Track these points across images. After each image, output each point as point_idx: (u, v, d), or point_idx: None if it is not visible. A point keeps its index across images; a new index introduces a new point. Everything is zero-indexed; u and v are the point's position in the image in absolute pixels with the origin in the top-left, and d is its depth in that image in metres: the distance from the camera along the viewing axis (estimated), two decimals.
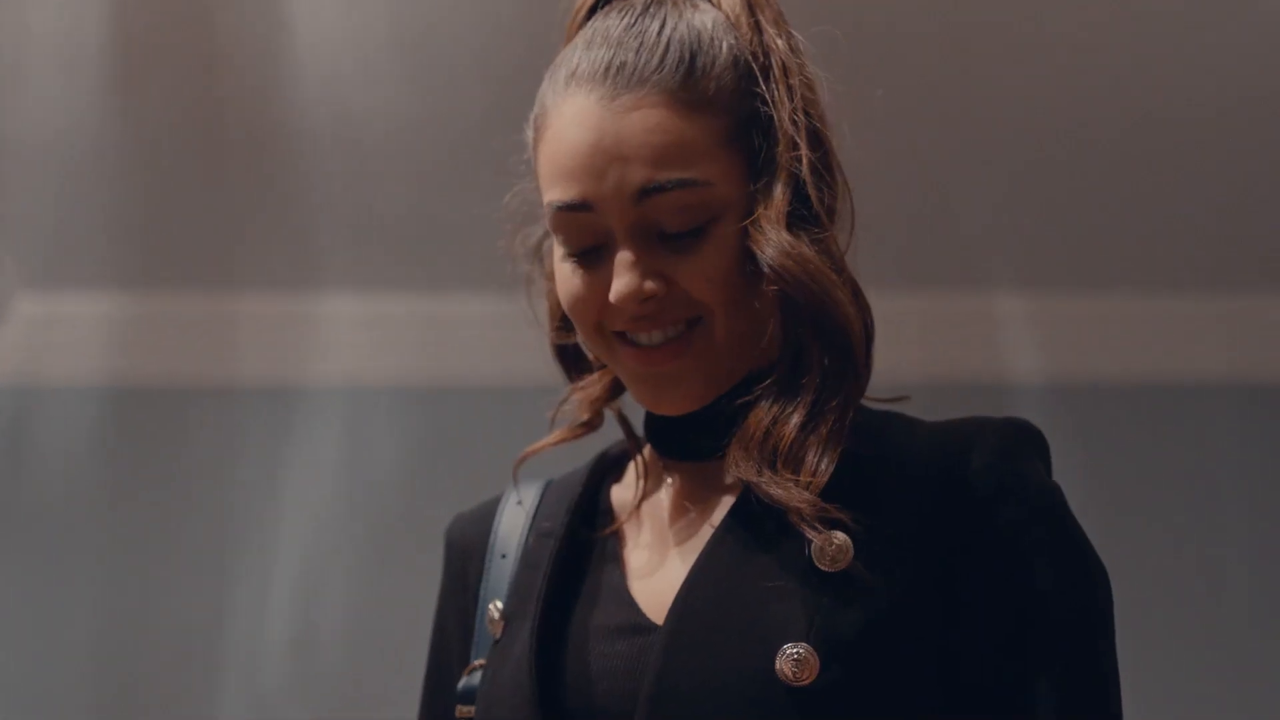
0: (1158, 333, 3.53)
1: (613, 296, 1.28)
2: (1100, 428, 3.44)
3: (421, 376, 3.49)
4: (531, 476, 1.51)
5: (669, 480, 1.41)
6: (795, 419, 1.27)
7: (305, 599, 3.39)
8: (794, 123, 1.30)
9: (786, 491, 1.24)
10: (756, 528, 1.27)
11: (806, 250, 1.27)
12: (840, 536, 1.23)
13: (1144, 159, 3.16)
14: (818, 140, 1.32)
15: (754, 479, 1.26)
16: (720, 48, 1.31)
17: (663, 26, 1.31)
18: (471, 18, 2.75)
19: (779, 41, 1.33)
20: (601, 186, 1.27)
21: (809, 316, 1.28)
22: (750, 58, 1.32)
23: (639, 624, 1.30)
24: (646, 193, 1.26)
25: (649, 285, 1.28)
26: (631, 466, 1.46)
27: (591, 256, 1.31)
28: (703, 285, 1.28)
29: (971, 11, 2.84)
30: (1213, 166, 3.19)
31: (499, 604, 1.41)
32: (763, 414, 1.28)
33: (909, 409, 1.39)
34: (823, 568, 1.24)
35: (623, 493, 1.45)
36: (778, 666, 1.20)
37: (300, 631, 3.37)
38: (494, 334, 3.35)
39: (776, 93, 1.31)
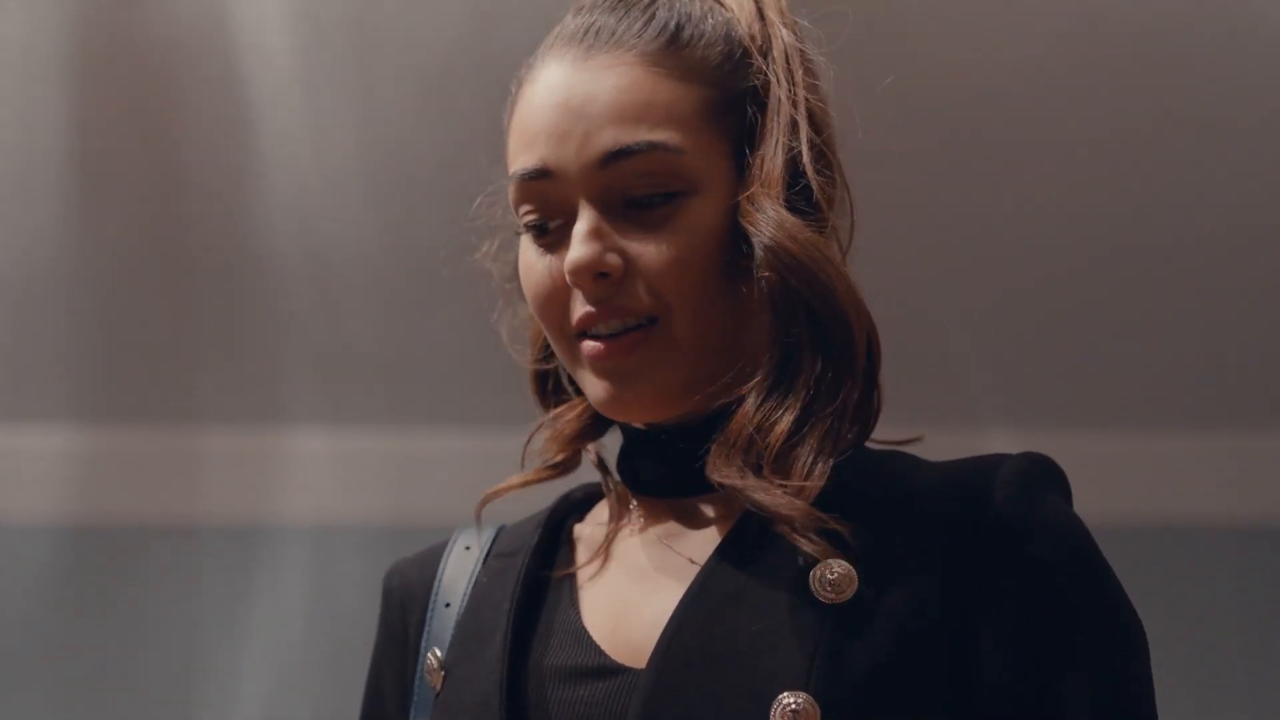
0: (1152, 472, 3.46)
1: (567, 266, 1.19)
2: None
3: (390, 515, 3.41)
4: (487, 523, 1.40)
5: (642, 518, 1.29)
6: (785, 422, 1.16)
7: None
8: (794, 104, 1.22)
9: (774, 498, 1.14)
10: (750, 561, 1.17)
11: (812, 234, 1.18)
12: (842, 564, 1.13)
13: (1140, 289, 3.13)
14: (820, 126, 1.24)
15: (737, 483, 1.15)
16: (710, 22, 1.25)
17: (651, 2, 1.26)
18: (437, 141, 2.74)
19: (782, 29, 1.26)
20: (564, 150, 1.20)
21: (805, 307, 1.17)
22: (749, 39, 1.25)
23: (602, 666, 1.19)
24: (612, 156, 1.19)
25: (609, 258, 1.19)
26: (598, 507, 1.36)
27: (555, 238, 1.22)
28: (666, 270, 1.19)
29: (966, 136, 2.82)
30: (1207, 299, 3.17)
31: (438, 652, 1.30)
32: (748, 416, 1.18)
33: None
34: (824, 599, 1.13)
35: (587, 531, 1.34)
36: (773, 717, 1.09)
37: None
38: (465, 471, 3.21)
39: (776, 73, 1.23)
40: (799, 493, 1.13)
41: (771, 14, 1.27)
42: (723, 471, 1.17)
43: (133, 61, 2.76)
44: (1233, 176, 2.90)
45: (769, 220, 1.17)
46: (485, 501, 1.37)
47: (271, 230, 2.98)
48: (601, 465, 1.36)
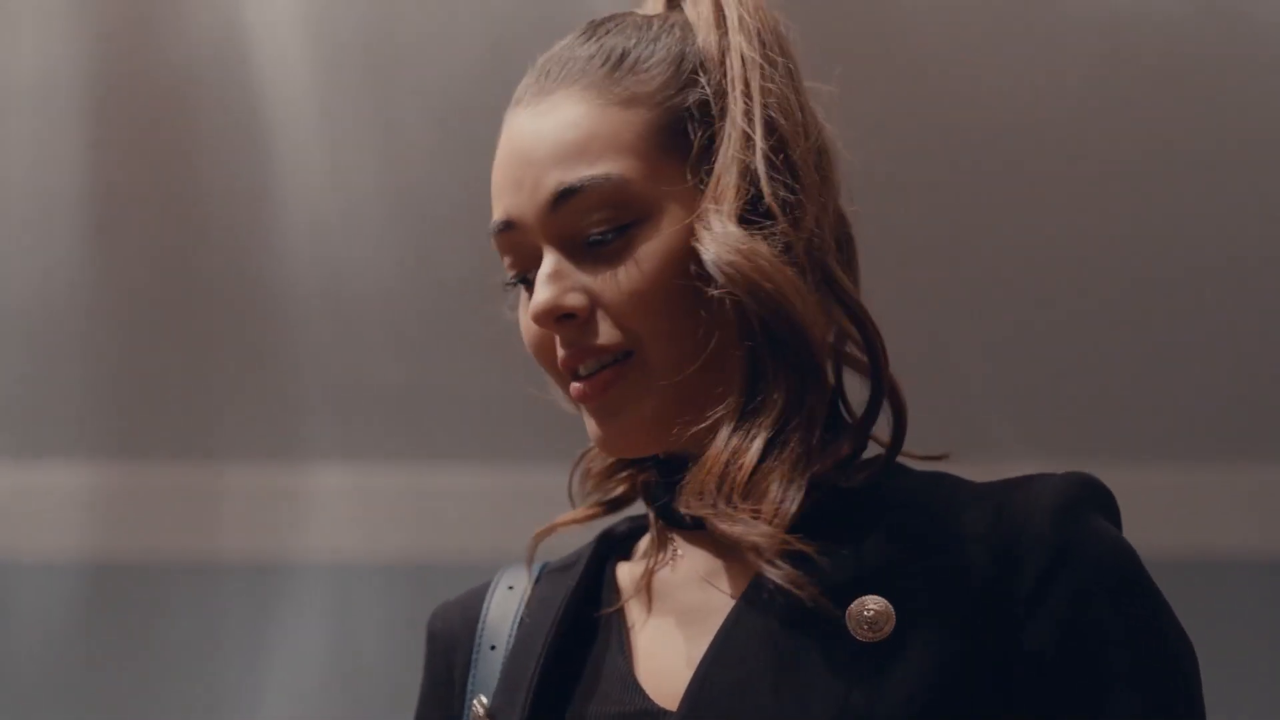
0: (1183, 504, 3.41)
1: (529, 312, 1.19)
2: None
3: (411, 552, 3.40)
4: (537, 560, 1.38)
5: (682, 553, 1.26)
6: (755, 447, 1.14)
7: None
8: (747, 115, 1.19)
9: (744, 527, 1.10)
10: (784, 597, 1.12)
11: (759, 245, 1.15)
12: (877, 600, 1.10)
13: (1169, 317, 3.11)
14: (779, 132, 1.20)
15: (707, 514, 1.13)
16: (659, 43, 1.23)
17: (607, 34, 1.24)
18: (457, 172, 2.69)
19: (738, 37, 1.22)
20: (519, 199, 1.20)
21: (760, 321, 1.14)
22: (700, 53, 1.23)
23: (647, 710, 1.16)
24: (561, 197, 1.18)
25: (570, 299, 1.18)
26: (641, 545, 1.32)
27: (535, 287, 1.21)
28: (627, 302, 1.17)
29: (990, 164, 2.80)
30: (1237, 328, 3.15)
31: (484, 699, 1.27)
32: (721, 445, 1.15)
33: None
34: (860, 638, 1.09)
35: (631, 570, 1.30)
36: None
37: None
38: (486, 507, 3.28)
39: (731, 83, 1.21)
40: (772, 519, 1.11)
41: (731, 21, 1.24)
42: (690, 503, 1.16)
43: (149, 93, 2.75)
44: (1265, 203, 2.87)
45: (714, 237, 1.15)
46: (537, 540, 1.35)
47: (290, 264, 2.97)
48: (645, 493, 1.33)
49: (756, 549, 1.10)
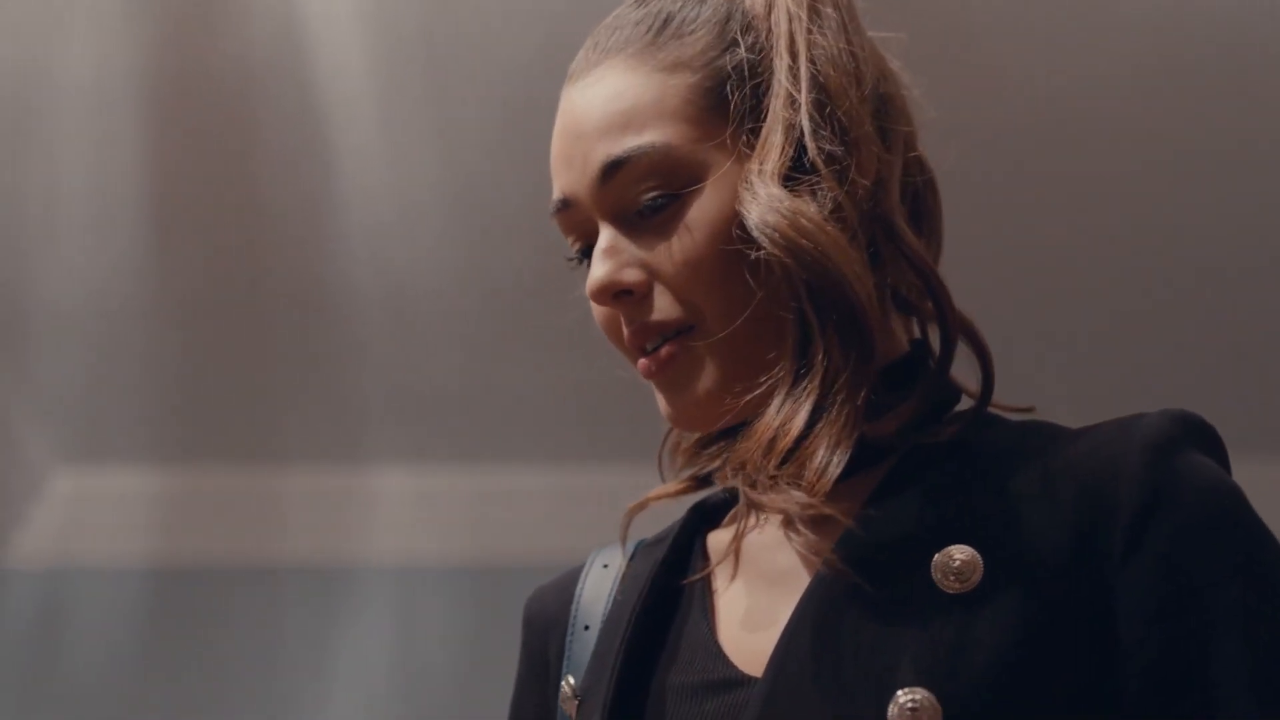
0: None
1: (587, 289, 1.17)
2: None
3: (473, 553, 3.40)
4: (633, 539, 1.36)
5: (771, 519, 1.22)
6: (802, 413, 1.11)
7: None
8: (792, 73, 1.16)
9: (776, 495, 1.09)
10: (870, 554, 1.09)
11: (802, 204, 1.12)
12: (964, 550, 1.06)
13: (1231, 311, 3.06)
14: (819, 86, 1.16)
15: (743, 486, 1.13)
16: (706, 4, 1.21)
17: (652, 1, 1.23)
18: (518, 170, 2.71)
19: None
20: (572, 176, 1.19)
21: (803, 281, 1.11)
22: (747, 11, 1.20)
23: (731, 678, 1.13)
24: (609, 170, 1.17)
25: (626, 275, 1.16)
26: (734, 512, 1.29)
27: None
28: (683, 273, 1.15)
29: (1048, 159, 2.76)
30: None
31: (572, 680, 1.25)
32: (772, 414, 1.13)
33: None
34: (947, 589, 1.05)
35: (720, 537, 1.27)
36: (890, 718, 1.01)
37: None
38: (549, 508, 3.28)
39: (776, 43, 1.18)
40: (813, 486, 1.08)
41: None
42: (729, 473, 1.15)
43: (205, 92, 2.75)
44: None
45: (755, 197, 1.12)
46: (630, 515, 1.32)
47: (350, 264, 2.96)
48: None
49: (786, 516, 1.10)
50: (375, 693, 3.33)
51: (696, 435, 1.30)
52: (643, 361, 1.19)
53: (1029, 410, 1.24)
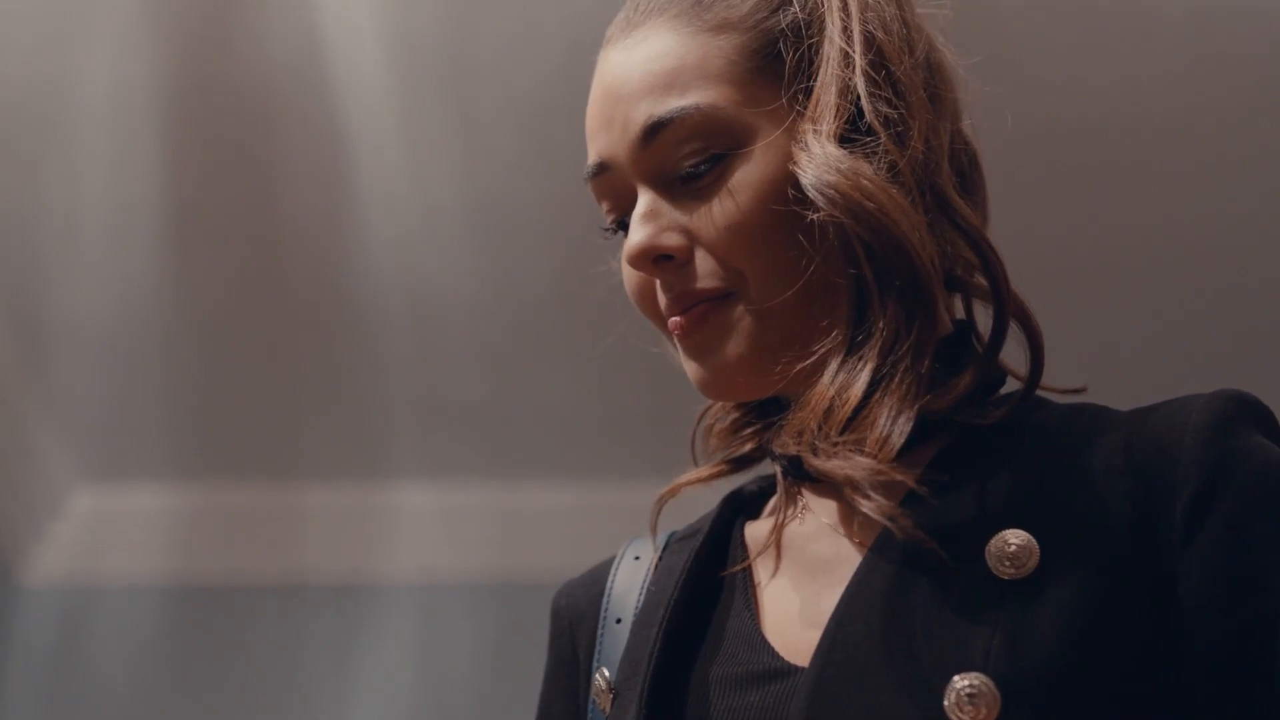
0: None
1: (625, 254, 1.15)
2: None
3: (496, 570, 3.38)
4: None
5: (811, 507, 1.20)
6: (861, 380, 1.08)
7: None
8: (845, 31, 1.14)
9: (840, 461, 1.05)
10: (919, 544, 1.05)
11: (861, 165, 1.09)
12: (1019, 535, 1.03)
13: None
14: (873, 47, 1.14)
15: (803, 452, 1.09)
16: None
17: None
18: (540, 182, 2.70)
19: None
20: (611, 138, 1.16)
21: (861, 243, 1.08)
22: None
23: (776, 669, 1.10)
24: (651, 131, 1.14)
25: (666, 239, 1.14)
26: (770, 503, 1.26)
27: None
28: (726, 237, 1.12)
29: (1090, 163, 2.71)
30: None
31: (606, 672, 1.22)
32: (828, 382, 1.10)
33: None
34: (1003, 575, 1.02)
35: (759, 528, 1.24)
36: (947, 706, 0.98)
37: None
38: (572, 524, 3.24)
39: (828, 3, 1.16)
40: (879, 450, 1.05)
41: None
42: (786, 444, 1.10)
43: (226, 106, 2.74)
44: None
45: (812, 157, 1.10)
46: (660, 504, 1.29)
47: (372, 278, 2.95)
48: (770, 455, 1.27)
49: (851, 482, 1.05)
50: (397, 710, 3.31)
51: (731, 418, 1.28)
52: (674, 320, 1.16)
53: (1080, 391, 1.21)
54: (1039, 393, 1.17)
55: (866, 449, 1.05)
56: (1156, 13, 2.63)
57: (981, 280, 1.18)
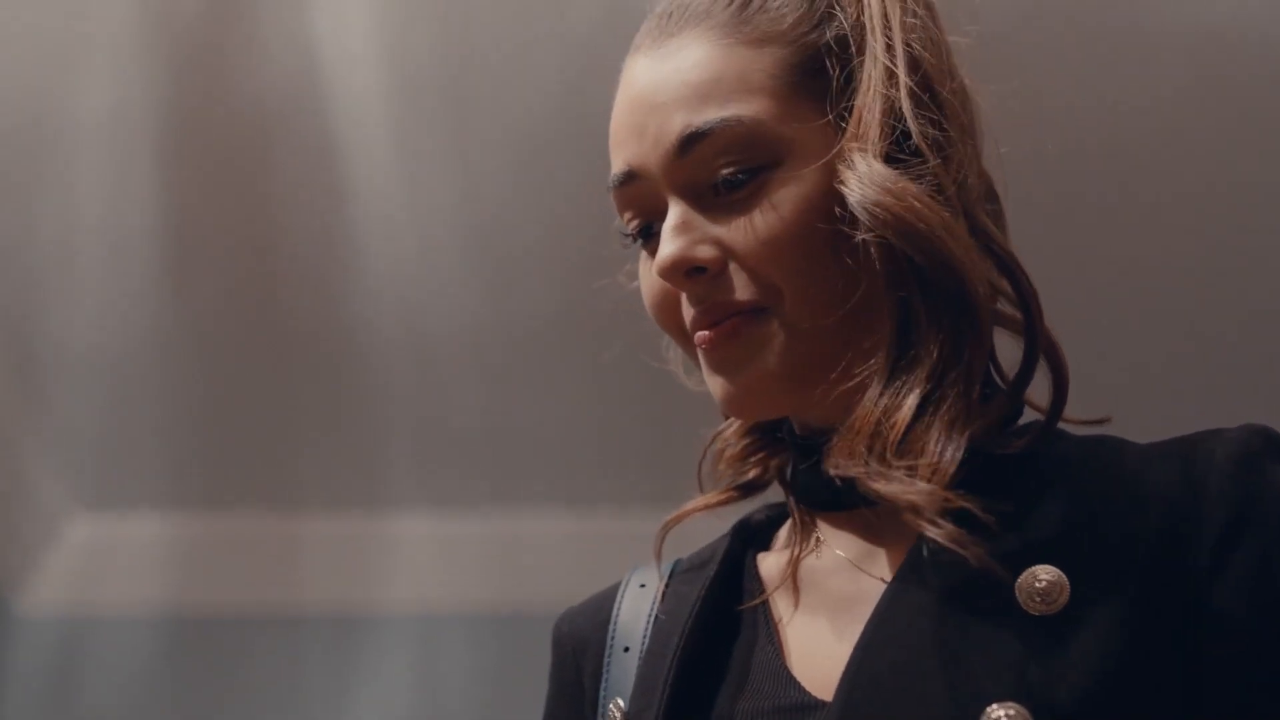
0: None
1: (655, 266, 1.12)
2: None
3: (496, 601, 3.35)
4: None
5: (826, 538, 1.18)
6: (909, 403, 1.05)
7: None
8: (889, 49, 1.12)
9: (901, 485, 1.03)
10: (943, 574, 1.04)
11: (910, 185, 1.07)
12: (1049, 571, 1.02)
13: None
14: (923, 67, 1.12)
15: (860, 473, 1.06)
16: None
17: None
18: (538, 209, 2.68)
19: None
20: (642, 147, 1.14)
21: (912, 265, 1.06)
22: None
23: (804, 703, 1.10)
24: (688, 141, 1.12)
25: (700, 251, 1.11)
26: (781, 534, 1.25)
27: (658, 242, 1.14)
28: (764, 251, 1.10)
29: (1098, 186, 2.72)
30: None
31: (620, 702, 1.21)
32: (872, 404, 1.08)
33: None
34: (1032, 611, 1.01)
35: (773, 560, 1.23)
36: None
37: None
38: (574, 554, 3.22)
39: (869, 18, 1.14)
40: (931, 475, 1.03)
41: None
42: (840, 464, 1.08)
43: (223, 129, 2.74)
44: None
45: (860, 176, 1.08)
46: (665, 530, 1.27)
47: (369, 304, 2.94)
48: (782, 480, 1.26)
49: (915, 508, 1.02)
50: None
51: (741, 445, 1.27)
52: (702, 334, 1.14)
53: (1104, 421, 1.19)
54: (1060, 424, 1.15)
55: (920, 473, 1.03)
56: (1149, 36, 2.63)
57: (1006, 308, 1.17)
